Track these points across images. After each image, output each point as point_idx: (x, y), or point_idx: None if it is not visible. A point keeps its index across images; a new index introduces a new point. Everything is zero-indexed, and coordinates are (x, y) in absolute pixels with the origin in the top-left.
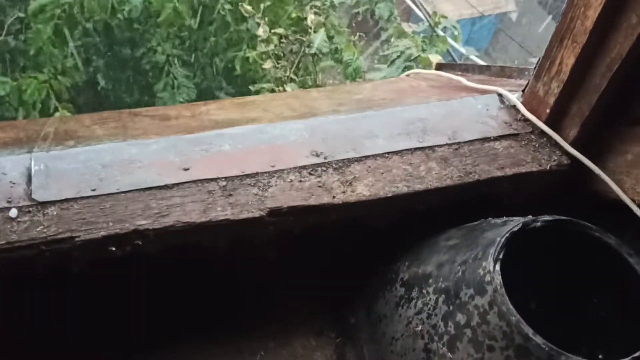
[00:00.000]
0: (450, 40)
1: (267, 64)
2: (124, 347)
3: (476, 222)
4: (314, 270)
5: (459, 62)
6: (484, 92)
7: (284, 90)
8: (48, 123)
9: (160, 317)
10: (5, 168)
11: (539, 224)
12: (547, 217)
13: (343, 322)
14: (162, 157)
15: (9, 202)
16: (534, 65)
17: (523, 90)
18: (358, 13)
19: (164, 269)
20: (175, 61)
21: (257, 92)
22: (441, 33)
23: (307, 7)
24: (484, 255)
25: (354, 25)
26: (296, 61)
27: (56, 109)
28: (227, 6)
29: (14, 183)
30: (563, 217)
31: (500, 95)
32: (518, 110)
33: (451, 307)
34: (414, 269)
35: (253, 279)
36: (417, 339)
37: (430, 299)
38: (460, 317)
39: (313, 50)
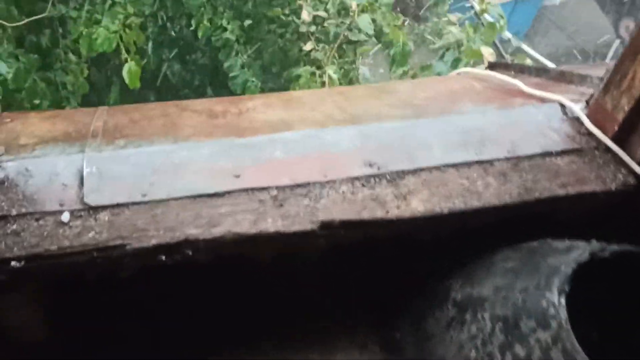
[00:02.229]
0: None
1: (308, 46)
2: (166, 356)
3: (535, 243)
4: (360, 282)
5: (502, 49)
6: (543, 100)
7: (324, 73)
8: (96, 115)
9: (204, 326)
10: (58, 167)
11: (607, 254)
12: (615, 248)
13: (388, 336)
14: (213, 162)
15: (61, 205)
16: (602, 77)
17: (587, 101)
18: None
19: (209, 278)
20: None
21: (299, 76)
22: (490, 19)
23: None
24: (547, 284)
25: (397, 9)
26: (336, 45)
27: (126, 60)
28: None
29: (65, 185)
30: (633, 249)
31: (562, 105)
32: (582, 123)
33: (509, 337)
34: (467, 289)
35: (298, 290)
36: None
37: (485, 325)
38: (520, 350)
39: (356, 37)
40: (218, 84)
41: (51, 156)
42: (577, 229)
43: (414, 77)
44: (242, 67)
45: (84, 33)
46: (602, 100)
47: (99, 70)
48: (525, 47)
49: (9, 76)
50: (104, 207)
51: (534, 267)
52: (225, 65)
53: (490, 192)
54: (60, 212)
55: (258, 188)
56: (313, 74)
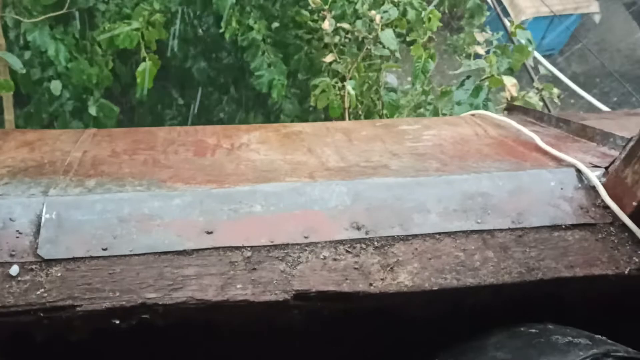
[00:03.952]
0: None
1: (329, 58)
2: None
3: (533, 331)
4: (342, 355)
5: (532, 74)
6: (559, 160)
7: (343, 86)
8: (81, 139)
9: None
10: (14, 213)
11: None
12: (620, 353)
13: None
14: (185, 214)
15: (11, 255)
16: (625, 144)
17: (607, 168)
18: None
19: (171, 342)
20: (269, 41)
21: (316, 86)
22: (523, 41)
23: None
24: None
25: None
26: (359, 58)
27: (144, 59)
28: None
29: (20, 233)
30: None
31: (578, 170)
32: (598, 194)
33: None
34: None
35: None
36: None
37: None
38: None
39: (380, 52)
40: (242, 82)
41: (11, 197)
42: (585, 313)
43: (435, 98)
44: (269, 66)
45: (105, 29)
46: (622, 172)
47: (124, 64)
48: (556, 71)
49: (51, 52)
50: (58, 261)
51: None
52: (252, 65)
53: (488, 269)
54: (10, 265)
55: (230, 247)
56: (333, 85)
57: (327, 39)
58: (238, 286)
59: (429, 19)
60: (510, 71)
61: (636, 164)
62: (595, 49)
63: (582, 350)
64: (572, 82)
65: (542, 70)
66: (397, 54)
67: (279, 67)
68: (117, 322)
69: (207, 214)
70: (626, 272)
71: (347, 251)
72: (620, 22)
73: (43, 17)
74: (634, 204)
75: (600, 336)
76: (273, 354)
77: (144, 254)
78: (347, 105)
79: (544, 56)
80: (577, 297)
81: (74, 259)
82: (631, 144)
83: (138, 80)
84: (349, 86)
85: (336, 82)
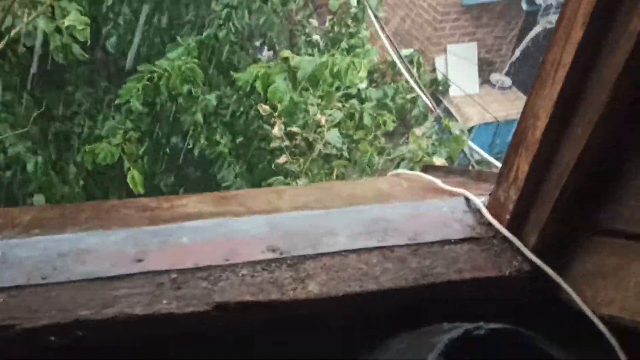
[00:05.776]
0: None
1: (282, 159)
2: None
3: (431, 327)
4: None
5: (473, 162)
6: (454, 194)
7: (297, 184)
8: (29, 211)
9: None
10: None
11: (482, 331)
12: (492, 325)
13: None
14: (119, 247)
15: None
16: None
17: (490, 195)
18: None
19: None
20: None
21: (270, 184)
22: (458, 132)
23: (320, 112)
24: None
25: None
26: (310, 158)
27: (129, 169)
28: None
29: None
30: (508, 327)
31: (467, 198)
32: (482, 214)
33: None
34: None
35: None
36: None
37: None
38: None
39: (328, 150)
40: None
41: None
42: (479, 315)
43: None
44: (236, 177)
45: (87, 150)
46: (497, 193)
47: (95, 182)
48: (492, 159)
49: (29, 167)
50: (1, 290)
51: (419, 346)
52: (219, 176)
53: (387, 277)
54: None
55: (159, 271)
56: (287, 184)
57: (277, 143)
58: (164, 302)
59: (384, 123)
60: (450, 160)
61: (504, 182)
62: None
63: (462, 328)
64: None
65: (476, 156)
66: (345, 153)
67: (245, 178)
68: (53, 338)
69: (139, 246)
70: (507, 274)
71: (264, 269)
72: None
73: (21, 130)
74: (508, 216)
75: (483, 323)
76: None
77: (79, 281)
78: None
79: (496, 159)
80: (470, 302)
81: (16, 287)
82: (501, 170)
83: (132, 187)
84: (301, 182)
85: (291, 181)
